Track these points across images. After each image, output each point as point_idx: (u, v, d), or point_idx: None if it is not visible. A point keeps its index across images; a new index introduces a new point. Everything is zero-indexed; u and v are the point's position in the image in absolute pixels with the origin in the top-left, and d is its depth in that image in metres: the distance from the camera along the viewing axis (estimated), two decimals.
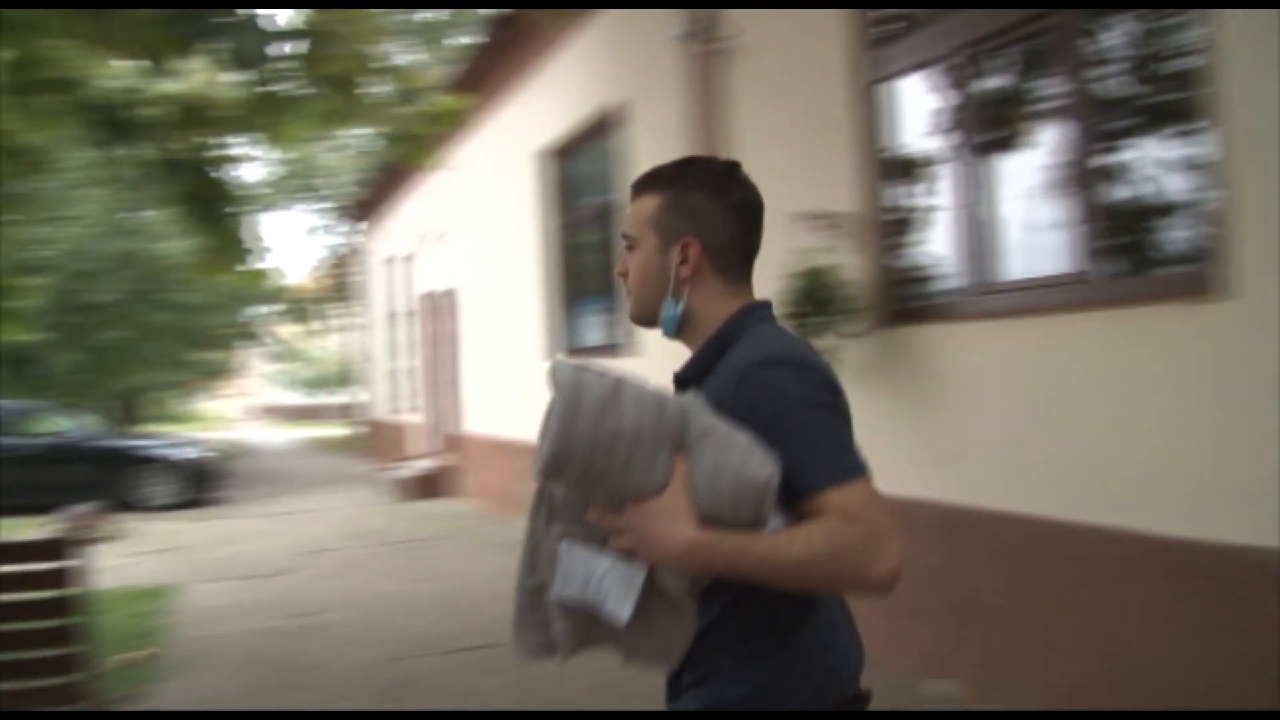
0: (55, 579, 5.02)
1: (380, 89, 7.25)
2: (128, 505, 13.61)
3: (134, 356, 19.25)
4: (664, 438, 1.58)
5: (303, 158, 26.48)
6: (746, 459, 1.55)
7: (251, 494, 15.75)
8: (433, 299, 15.16)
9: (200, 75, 6.85)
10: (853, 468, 1.59)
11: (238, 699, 5.53)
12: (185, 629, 7.07)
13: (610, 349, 8.86)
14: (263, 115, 6.46)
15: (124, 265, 18.13)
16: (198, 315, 20.42)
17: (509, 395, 11.44)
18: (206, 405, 40.09)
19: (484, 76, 10.93)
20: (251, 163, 26.71)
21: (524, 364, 10.84)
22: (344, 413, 29.54)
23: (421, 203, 15.36)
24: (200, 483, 14.86)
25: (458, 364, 13.99)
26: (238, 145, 6.93)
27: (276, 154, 25.56)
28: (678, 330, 1.84)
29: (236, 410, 44.91)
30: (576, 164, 10.02)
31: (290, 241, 53.86)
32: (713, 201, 1.80)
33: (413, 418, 16.54)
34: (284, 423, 40.31)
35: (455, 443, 13.98)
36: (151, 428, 22.94)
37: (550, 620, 1.70)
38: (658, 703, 1.84)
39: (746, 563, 1.56)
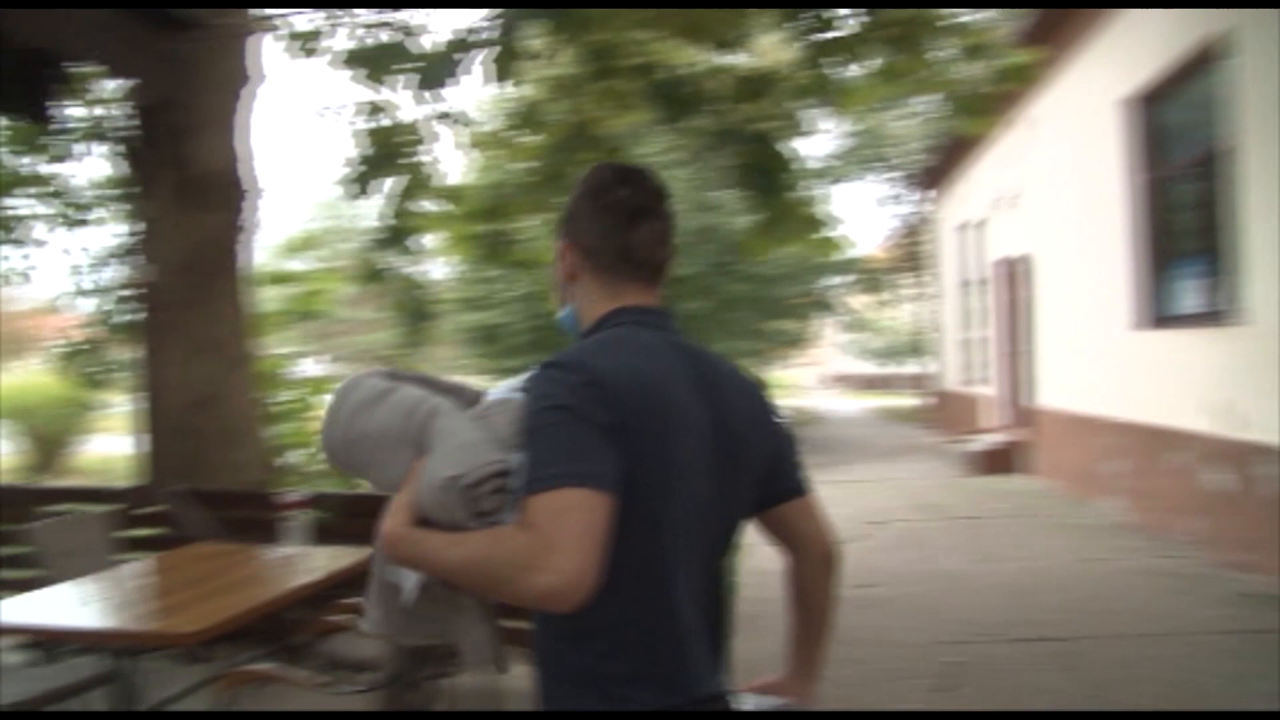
0: None
1: (946, 48, 6.93)
2: None
3: (714, 326, 20.48)
4: (407, 439, 1.65)
5: (871, 128, 26.57)
6: (444, 461, 1.57)
7: (818, 461, 16.05)
8: (1006, 265, 14.46)
9: (766, 47, 6.97)
10: (553, 476, 1.48)
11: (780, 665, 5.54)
12: (748, 590, 7.20)
13: (1210, 316, 7.79)
14: (828, 80, 6.43)
15: (705, 240, 19.28)
16: (773, 286, 21.22)
17: (1089, 367, 10.57)
18: (780, 373, 41.92)
19: (1056, 24, 10.11)
20: (819, 135, 27.30)
21: (1106, 333, 9.93)
22: (914, 383, 29.40)
23: (993, 166, 14.69)
24: None
25: (1033, 333, 13.22)
26: (801, 115, 6.96)
27: (844, 125, 25.92)
28: (580, 334, 1.81)
29: (809, 378, 46.49)
30: (1169, 109, 8.91)
31: (861, 212, 55.16)
32: (589, 203, 1.78)
33: (984, 389, 15.96)
34: (855, 391, 41.06)
35: (1029, 416, 13.24)
36: None
37: (387, 599, 1.76)
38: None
39: (424, 560, 1.58)
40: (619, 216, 1.76)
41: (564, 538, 1.44)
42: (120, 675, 3.64)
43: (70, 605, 3.68)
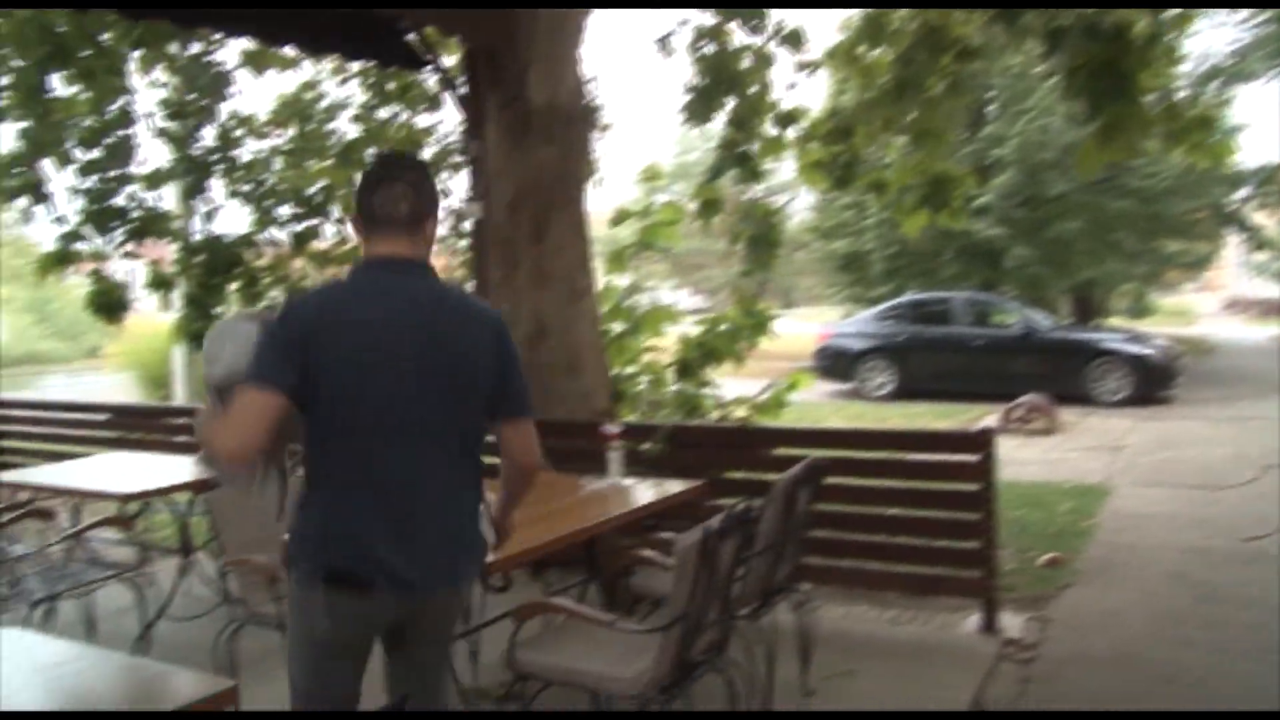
0: (976, 472, 4.94)
1: None
2: (1076, 398, 13.42)
3: (1090, 247, 18.91)
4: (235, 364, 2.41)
5: None
6: (210, 370, 2.50)
7: (1208, 395, 14.52)
8: None
9: None
10: (249, 376, 2.27)
11: (1142, 620, 5.01)
12: (1106, 534, 6.68)
13: None
14: None
15: (1074, 154, 17.90)
16: (1161, 202, 19.29)
17: None
18: (1171, 297, 38.42)
19: None
20: (1209, 26, 24.26)
21: None
22: None
23: None
24: (1153, 380, 14.05)
25: None
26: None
27: (1249, 13, 23.01)
28: None
29: (1206, 303, 42.33)
30: None
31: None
32: (359, 182, 2.50)
33: None
34: (1260, 319, 36.78)
35: None
36: (1109, 320, 22.57)
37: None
38: None
39: (204, 432, 2.50)
40: (366, 184, 2.44)
41: (236, 421, 2.25)
42: None
43: None
